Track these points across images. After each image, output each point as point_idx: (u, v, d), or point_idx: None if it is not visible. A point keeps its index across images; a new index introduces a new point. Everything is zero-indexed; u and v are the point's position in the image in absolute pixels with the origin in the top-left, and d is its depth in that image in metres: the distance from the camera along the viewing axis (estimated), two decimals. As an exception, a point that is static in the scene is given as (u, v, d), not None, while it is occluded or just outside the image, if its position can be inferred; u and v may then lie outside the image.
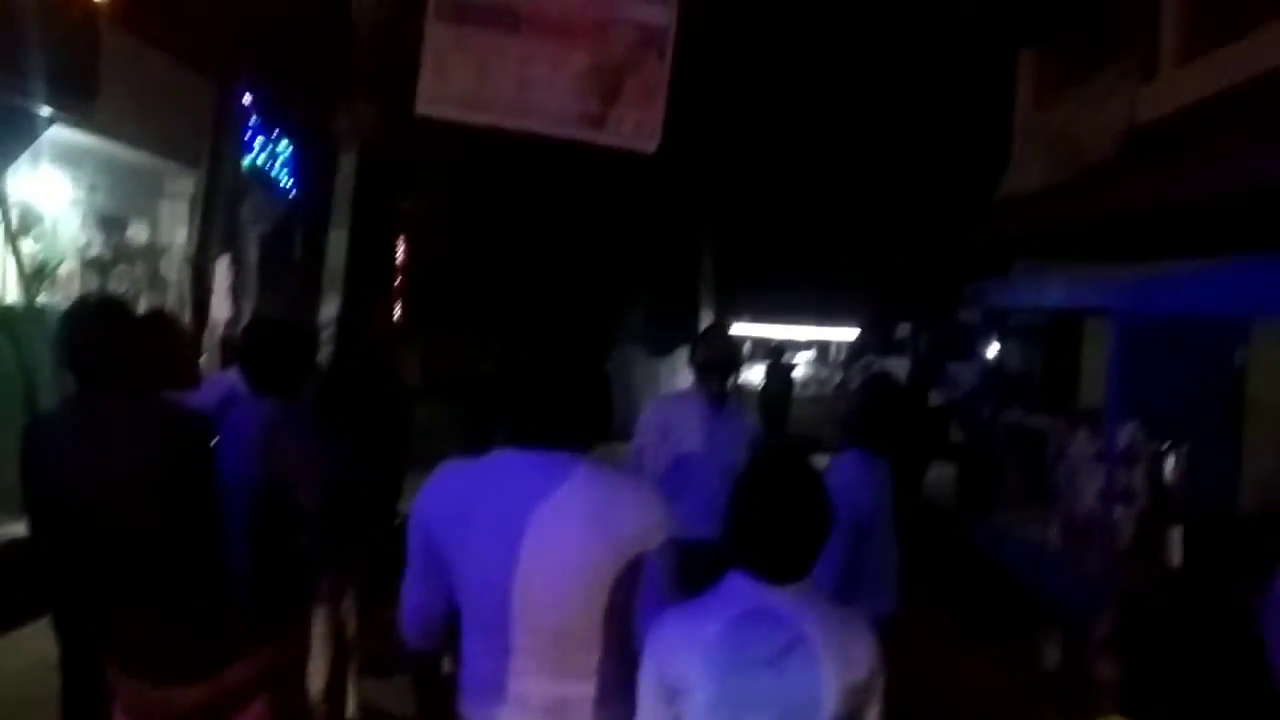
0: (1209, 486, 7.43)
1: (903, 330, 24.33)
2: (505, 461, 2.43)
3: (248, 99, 12.74)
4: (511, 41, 10.33)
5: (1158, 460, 7.17)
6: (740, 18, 17.23)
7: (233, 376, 4.27)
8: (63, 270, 10.17)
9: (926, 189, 19.77)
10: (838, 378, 21.67)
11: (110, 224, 11.56)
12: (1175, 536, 6.89)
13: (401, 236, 20.68)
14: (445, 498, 2.43)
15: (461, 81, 10.38)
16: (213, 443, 3.46)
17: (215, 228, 11.90)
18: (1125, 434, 6.90)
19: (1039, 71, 12.28)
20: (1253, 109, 7.92)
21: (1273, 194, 6.51)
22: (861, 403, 4.91)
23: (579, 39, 10.35)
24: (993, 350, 10.84)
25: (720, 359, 5.16)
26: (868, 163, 21.38)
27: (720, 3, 14.75)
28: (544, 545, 2.31)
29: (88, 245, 10.95)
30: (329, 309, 11.94)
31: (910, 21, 17.98)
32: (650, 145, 10.55)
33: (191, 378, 4.36)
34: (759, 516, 2.32)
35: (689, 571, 2.44)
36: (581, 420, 2.45)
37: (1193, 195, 7.52)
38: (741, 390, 19.47)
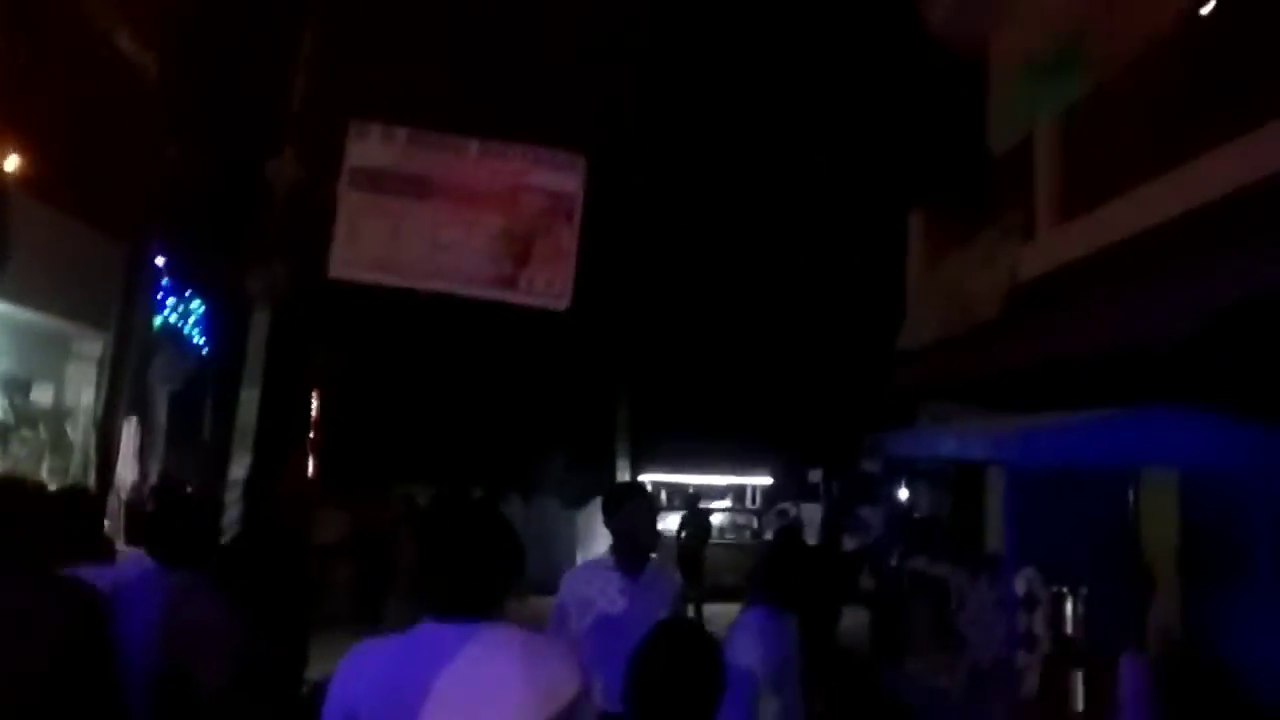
0: (1110, 631, 7.63)
1: (816, 475, 24.69)
2: (424, 635, 2.53)
3: (160, 260, 12.81)
4: (424, 207, 10.67)
5: (1058, 605, 7.38)
6: (649, 181, 17.93)
7: (141, 552, 4.26)
8: (-37, 435, 9.97)
9: (832, 340, 20.41)
10: (755, 524, 21.78)
11: (14, 386, 11.39)
12: (1078, 681, 7.05)
13: (315, 391, 20.56)
14: (365, 678, 2.49)
15: (374, 245, 10.64)
16: (114, 621, 3.44)
17: (123, 389, 11.81)
18: (1023, 580, 7.13)
19: (927, 230, 12.97)
20: (1122, 269, 8.48)
21: (1142, 349, 6.94)
22: (769, 559, 5.06)
23: (490, 205, 10.73)
24: (901, 496, 11.12)
25: (639, 531, 5.08)
26: (775, 315, 22.04)
27: (629, 167, 15.36)
28: (473, 712, 2.39)
29: (-10, 408, 10.76)
30: (239, 469, 11.80)
31: (811, 178, 18.89)
32: (561, 304, 10.87)
33: (103, 553, 4.33)
34: (654, 685, 2.43)
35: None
36: (494, 586, 2.57)
37: (1072, 350, 7.96)
38: (659, 539, 19.47)
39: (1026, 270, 10.07)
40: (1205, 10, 8.22)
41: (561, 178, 10.97)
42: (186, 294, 13.95)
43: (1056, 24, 11.67)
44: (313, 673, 5.30)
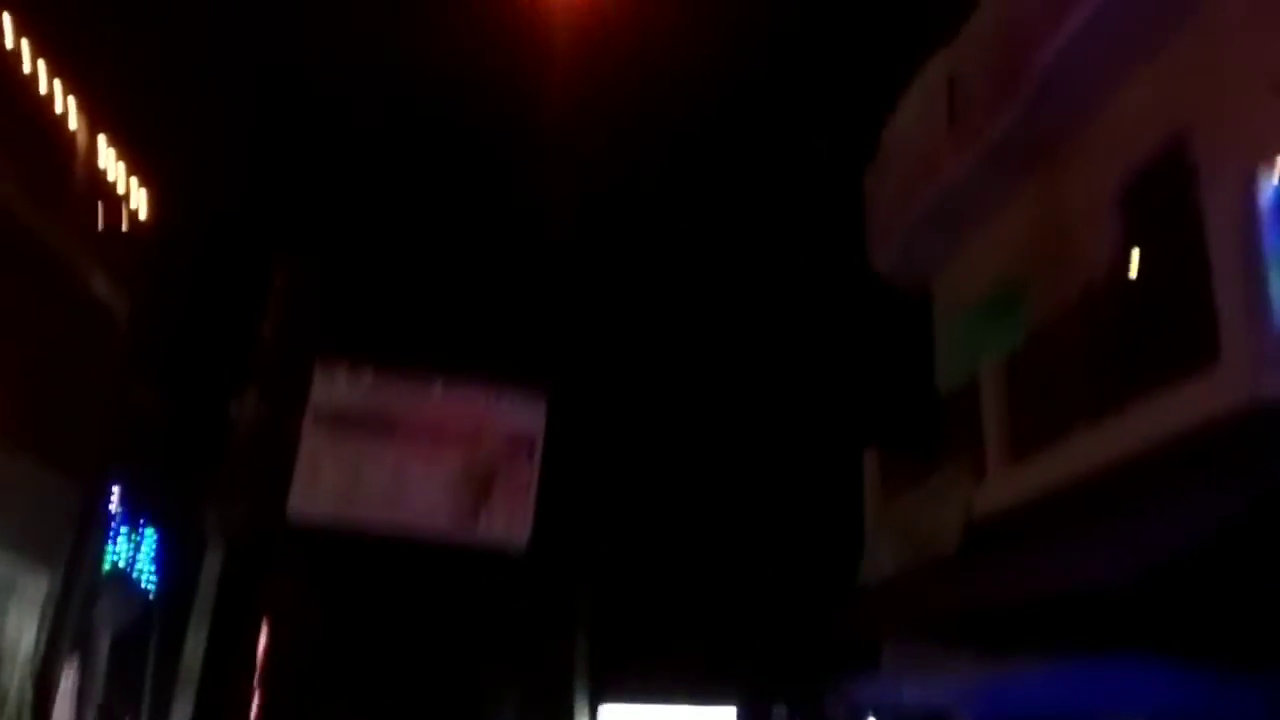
0: None
1: (781, 713, 23.99)
2: None
3: (114, 495, 12.70)
4: (387, 445, 10.82)
5: None
6: (608, 419, 18.22)
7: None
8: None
9: (795, 572, 20.31)
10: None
11: (-48, 629, 11.04)
12: None
13: (266, 620, 19.98)
14: None
15: (335, 483, 10.72)
16: None
17: (66, 630, 11.47)
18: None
19: (883, 465, 13.15)
20: (1074, 508, 8.64)
21: (1095, 592, 7.01)
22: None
23: (453, 442, 10.90)
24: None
25: None
26: (737, 546, 21.97)
27: (588, 407, 15.65)
28: None
29: (-77, 654, 10.37)
30: (181, 714, 11.34)
31: (771, 409, 19.29)
32: (520, 542, 10.88)
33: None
34: None
35: None
36: None
37: (1029, 590, 8.00)
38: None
39: (982, 507, 10.20)
40: (1132, 272, 8.75)
41: (523, 415, 11.20)
42: (139, 528, 13.75)
43: (996, 270, 12.33)
44: None
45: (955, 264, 13.49)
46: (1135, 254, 9.04)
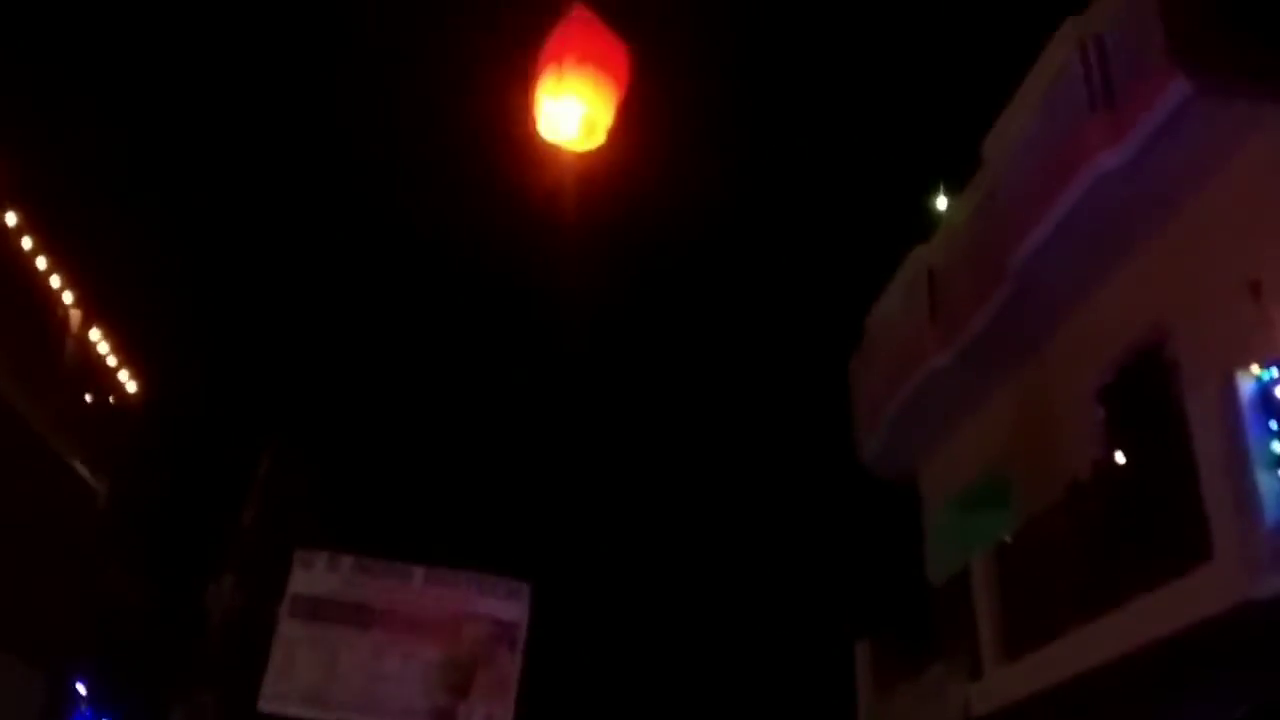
0: None
1: None
2: None
3: (81, 685, 12.25)
4: (364, 636, 10.50)
5: None
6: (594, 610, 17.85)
7: None
8: None
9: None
10: None
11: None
12: None
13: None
14: None
15: (309, 676, 10.36)
16: None
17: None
18: None
19: (875, 659, 12.80)
20: (1072, 709, 8.39)
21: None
22: None
23: (433, 633, 10.60)
24: None
25: None
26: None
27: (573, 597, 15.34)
28: None
29: None
30: None
31: (761, 601, 18.94)
32: (500, 741, 10.46)
33: None
34: None
35: None
36: None
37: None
38: None
39: (979, 707, 9.87)
40: (1119, 458, 8.71)
41: (506, 606, 10.94)
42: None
43: (982, 461, 12.32)
44: None
45: (940, 454, 13.47)
46: (1120, 448, 9.03)
